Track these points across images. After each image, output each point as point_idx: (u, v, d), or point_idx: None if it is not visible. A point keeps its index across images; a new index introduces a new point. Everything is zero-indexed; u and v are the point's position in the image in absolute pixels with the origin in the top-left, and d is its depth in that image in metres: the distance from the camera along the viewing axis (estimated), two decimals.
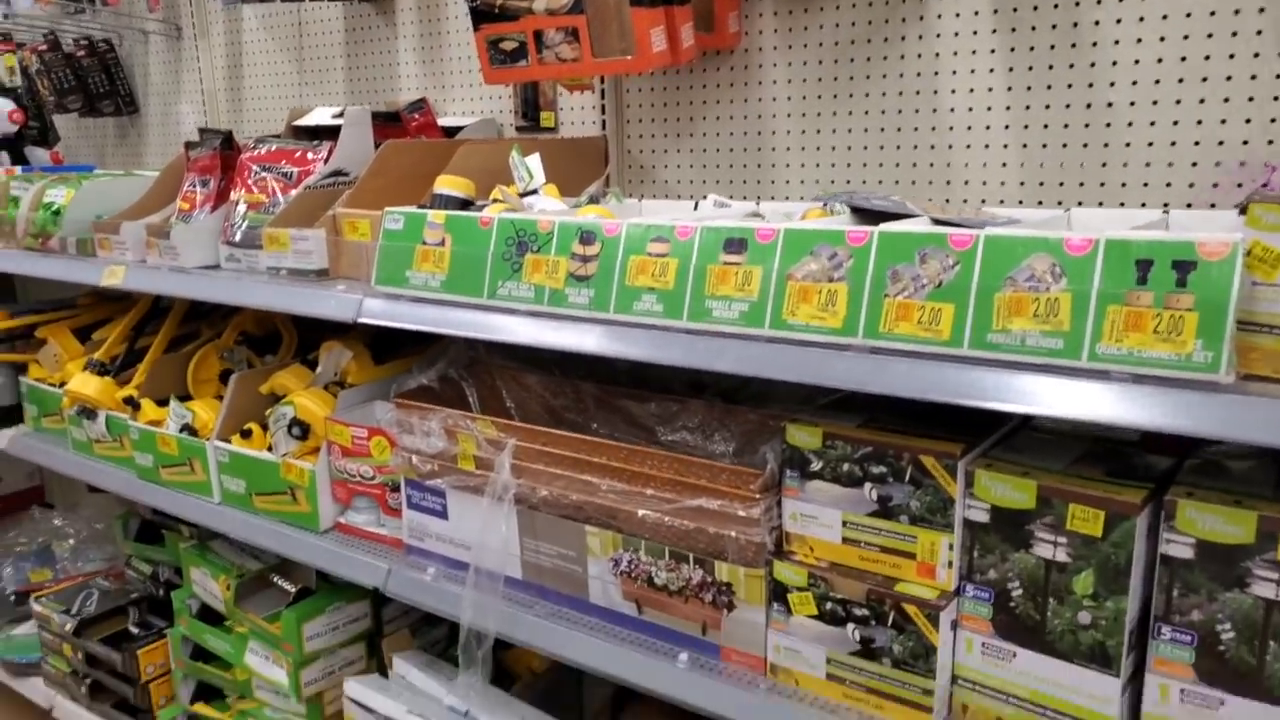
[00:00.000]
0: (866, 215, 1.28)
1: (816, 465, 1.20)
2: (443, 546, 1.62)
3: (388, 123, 2.00)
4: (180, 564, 2.53)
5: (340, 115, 1.90)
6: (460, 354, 1.77)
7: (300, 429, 1.78)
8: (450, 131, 2.07)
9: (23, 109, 2.73)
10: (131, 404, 2.08)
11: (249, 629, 2.07)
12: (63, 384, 2.32)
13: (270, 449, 1.83)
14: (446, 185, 1.58)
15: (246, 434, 1.88)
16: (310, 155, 1.86)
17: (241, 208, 1.84)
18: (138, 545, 2.65)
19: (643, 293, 1.23)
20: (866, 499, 1.17)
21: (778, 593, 1.23)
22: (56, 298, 3.28)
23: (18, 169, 2.51)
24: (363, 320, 1.54)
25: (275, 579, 2.14)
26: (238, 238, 1.81)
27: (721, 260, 1.17)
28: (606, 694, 2.00)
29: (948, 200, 1.64)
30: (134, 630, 2.48)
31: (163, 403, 2.08)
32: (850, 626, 1.17)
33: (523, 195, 1.55)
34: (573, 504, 1.42)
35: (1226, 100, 1.39)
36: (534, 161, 1.59)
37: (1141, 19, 1.44)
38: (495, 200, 1.53)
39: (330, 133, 1.94)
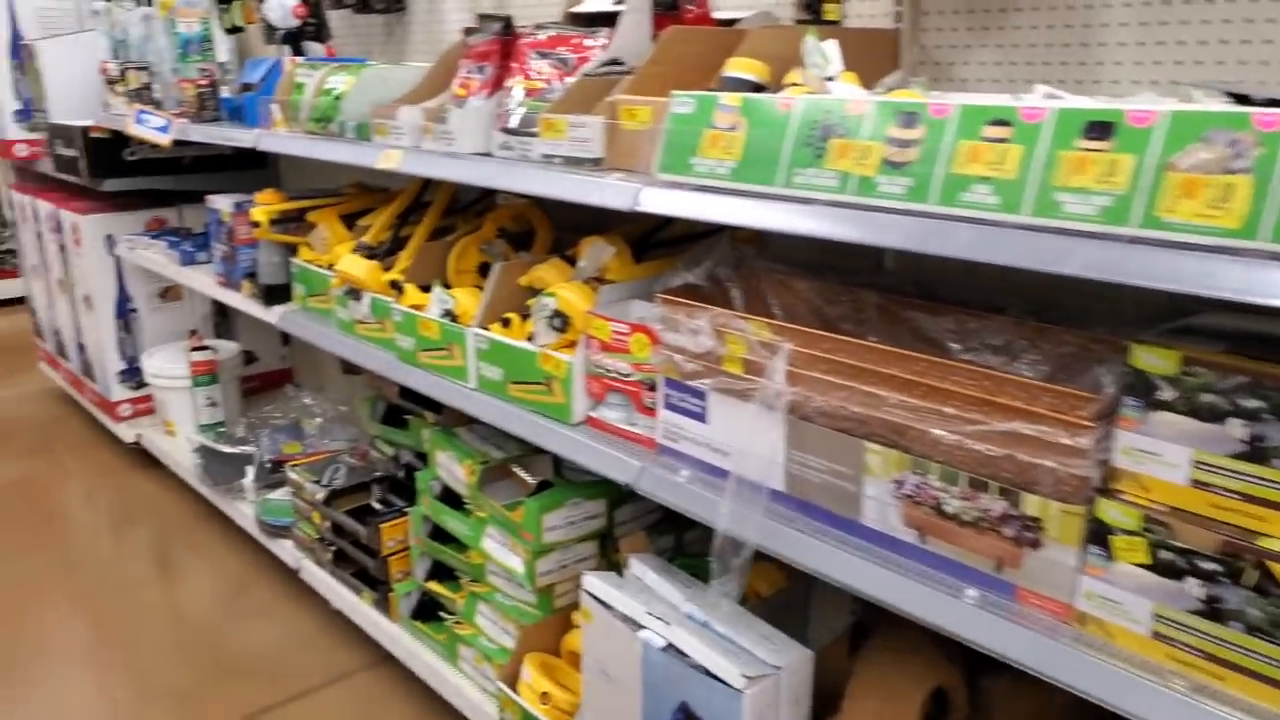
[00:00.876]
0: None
1: (1167, 394, 1.04)
2: (698, 450, 1.56)
3: (665, 12, 1.92)
4: (422, 448, 2.64)
5: (620, 2, 1.83)
6: (726, 254, 1.69)
7: (561, 321, 1.76)
8: (724, 24, 1.96)
9: (305, 4, 2.85)
10: (396, 288, 2.14)
11: (489, 515, 2.12)
12: (330, 266, 2.43)
13: (530, 339, 1.83)
14: (738, 68, 1.48)
15: (506, 323, 1.89)
16: (588, 42, 1.80)
17: (518, 94, 1.82)
18: (383, 427, 2.78)
19: (973, 182, 1.09)
20: (1230, 437, 1.00)
21: (1098, 534, 1.09)
22: (315, 185, 3.49)
23: (299, 60, 2.63)
24: (640, 208, 1.48)
25: (516, 469, 2.17)
26: (514, 124, 1.79)
27: (1079, 146, 1.01)
28: (839, 627, 1.91)
29: None
30: (377, 506, 2.61)
31: (425, 289, 2.13)
32: (1191, 581, 1.02)
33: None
34: (853, 417, 1.32)
35: None
36: (831, 47, 1.46)
37: None
38: (794, 84, 1.42)
39: (607, 20, 1.88)
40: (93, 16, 4.21)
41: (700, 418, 1.55)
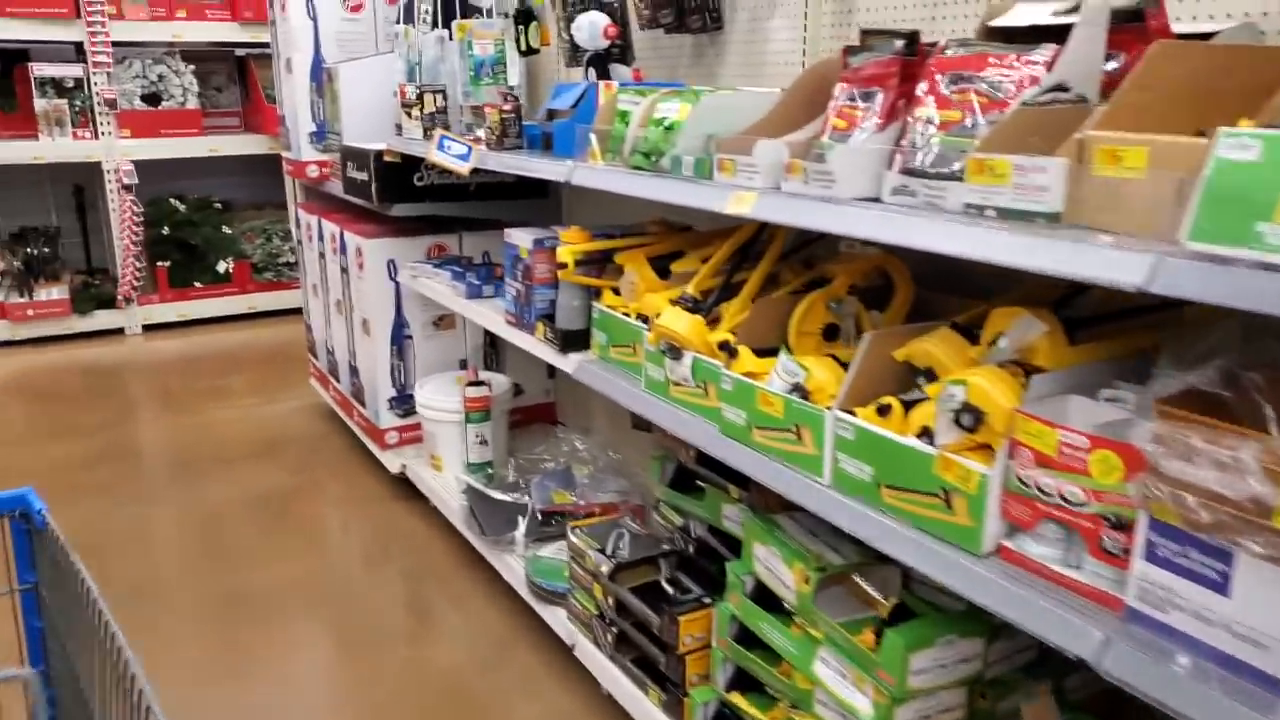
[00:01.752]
0: None
1: None
2: (1207, 631, 1.11)
3: (1124, 25, 1.49)
4: (719, 523, 2.31)
5: (1071, 10, 1.41)
6: (1230, 340, 1.23)
7: (972, 417, 1.36)
8: (1196, 39, 1.50)
9: (616, 23, 2.62)
10: (726, 349, 1.81)
11: (825, 635, 1.74)
12: (640, 316, 2.14)
13: (923, 435, 1.43)
14: None
15: (884, 410, 1.51)
16: (1025, 62, 1.40)
17: (927, 127, 1.44)
18: (672, 493, 2.47)
19: None
20: None
21: None
22: (606, 222, 3.26)
23: (623, 85, 2.38)
24: (1156, 290, 1.05)
25: (860, 581, 1.78)
26: (921, 163, 1.42)
27: None
28: None
29: None
30: (667, 588, 2.29)
31: (763, 353, 1.79)
32: None
33: None
34: None
35: None
36: None
37: None
38: None
39: (1037, 35, 1.47)
40: (390, 39, 4.24)
41: (1218, 586, 1.10)
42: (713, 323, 1.92)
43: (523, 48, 3.39)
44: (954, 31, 2.01)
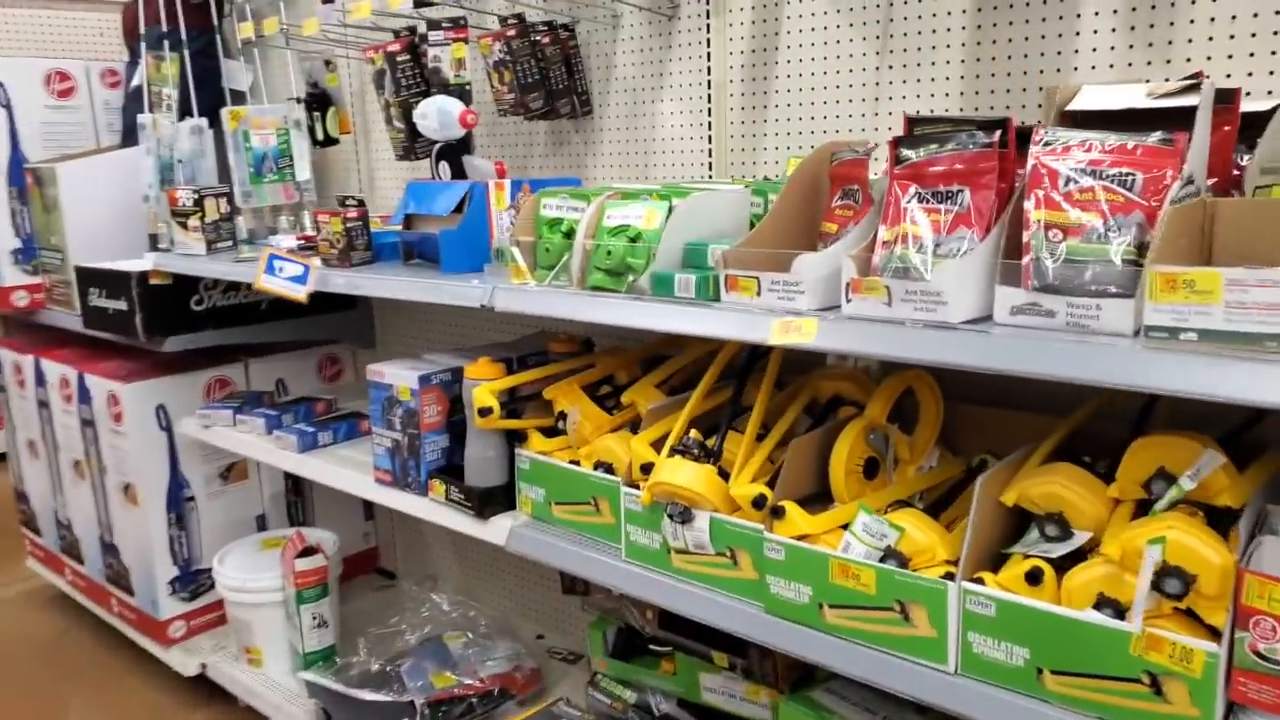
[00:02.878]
0: None
1: None
2: None
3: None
4: (688, 694, 1.93)
5: (1172, 93, 1.24)
6: None
7: (1180, 583, 1.12)
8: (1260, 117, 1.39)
9: (474, 111, 2.20)
10: (766, 508, 1.46)
11: None
12: (599, 464, 1.73)
13: (1102, 606, 1.17)
14: None
15: (1034, 577, 1.22)
16: (1155, 150, 1.20)
17: (1052, 233, 1.20)
18: (621, 664, 2.06)
19: None
20: None
21: None
22: (433, 340, 2.77)
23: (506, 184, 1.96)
24: None
25: None
26: (1059, 278, 1.16)
27: None
28: None
29: None
30: None
31: (807, 502, 1.45)
32: None
33: None
34: None
35: None
36: None
37: None
38: None
39: (1099, 122, 1.28)
40: (112, 132, 3.48)
41: None
42: (722, 471, 1.56)
43: (319, 137, 2.86)
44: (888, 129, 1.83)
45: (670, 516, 1.54)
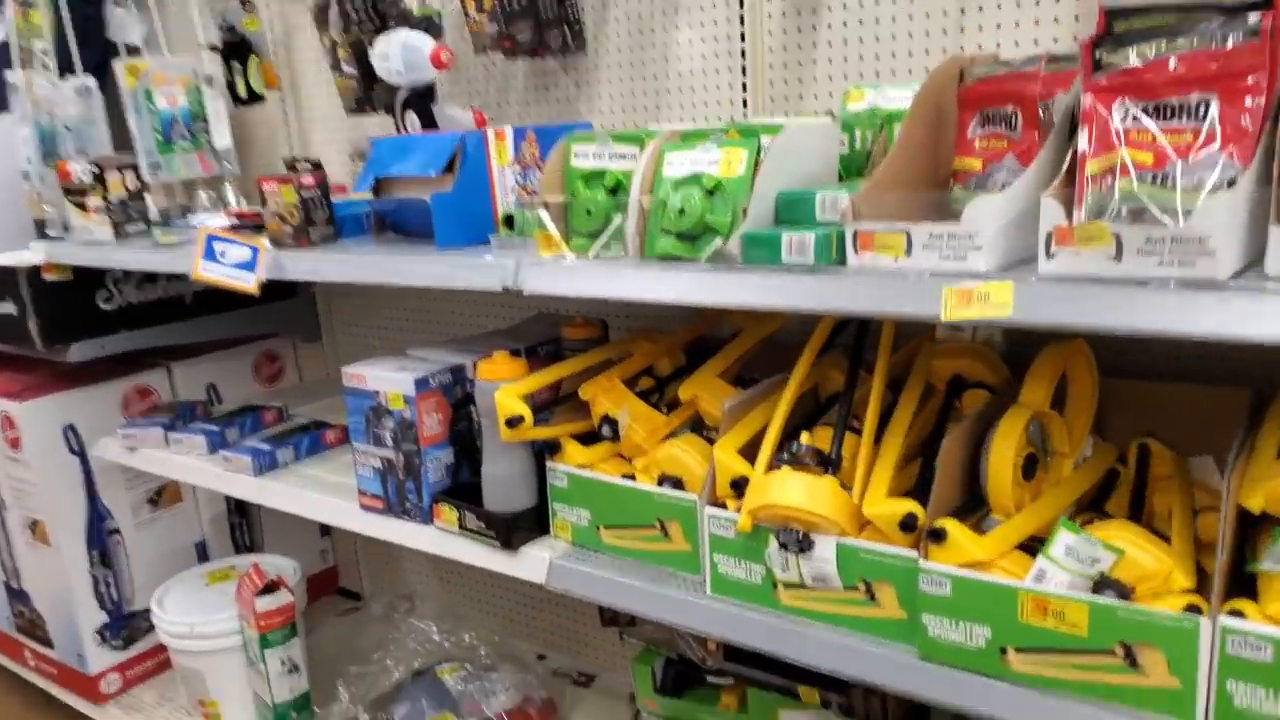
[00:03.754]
0: None
1: None
2: None
3: None
4: None
5: None
6: None
7: None
8: None
9: (448, 48, 1.79)
10: (920, 529, 1.14)
11: None
12: (665, 478, 1.38)
13: None
14: None
15: None
16: None
17: None
18: (675, 703, 1.72)
19: None
20: None
21: None
22: (388, 330, 2.34)
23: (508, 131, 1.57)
24: None
25: None
26: None
27: None
28: None
29: None
30: None
31: (964, 512, 1.14)
32: None
33: None
34: None
35: None
36: None
37: None
38: None
39: None
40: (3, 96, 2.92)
41: None
42: (844, 482, 1.23)
43: (241, 93, 2.39)
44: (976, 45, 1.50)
45: (783, 545, 1.21)
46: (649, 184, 1.28)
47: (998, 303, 0.98)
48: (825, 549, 1.20)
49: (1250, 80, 0.93)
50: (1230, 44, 0.94)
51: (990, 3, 1.53)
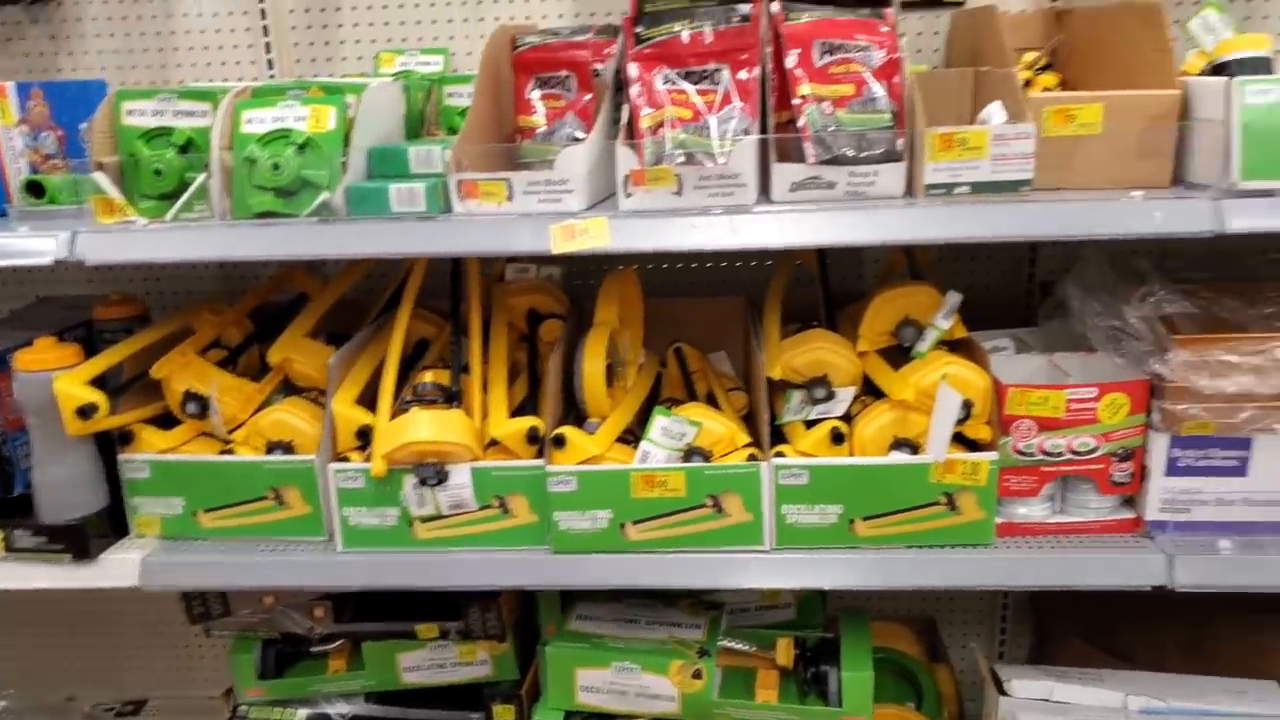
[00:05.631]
0: None
1: None
2: (1223, 511, 1.29)
3: None
4: (387, 683, 1.68)
5: None
6: (1098, 268, 1.40)
7: (964, 410, 1.27)
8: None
9: None
10: (544, 439, 1.30)
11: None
12: (275, 445, 1.36)
13: (900, 447, 1.28)
14: (1242, 47, 1.22)
15: (839, 437, 1.29)
16: (869, 23, 1.28)
17: (823, 106, 1.22)
18: (283, 682, 1.69)
19: None
20: None
21: None
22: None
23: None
24: (1233, 230, 1.13)
25: (742, 645, 1.53)
26: (839, 148, 1.20)
27: None
28: None
29: None
30: None
31: (567, 421, 1.33)
32: None
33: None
34: None
35: None
36: (1214, 15, 1.30)
37: None
38: None
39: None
40: None
41: (1237, 471, 1.28)
42: (469, 412, 1.33)
43: None
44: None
45: (422, 481, 1.28)
46: (228, 141, 1.24)
47: (596, 235, 1.17)
48: (460, 475, 1.30)
49: (745, 56, 1.23)
50: (733, 24, 1.23)
51: None
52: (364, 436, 1.32)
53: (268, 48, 1.74)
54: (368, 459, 1.30)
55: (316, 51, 1.76)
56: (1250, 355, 1.22)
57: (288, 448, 1.36)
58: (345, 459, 1.33)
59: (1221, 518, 1.30)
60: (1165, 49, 1.25)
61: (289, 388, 1.48)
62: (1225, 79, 1.14)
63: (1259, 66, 1.21)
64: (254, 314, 1.61)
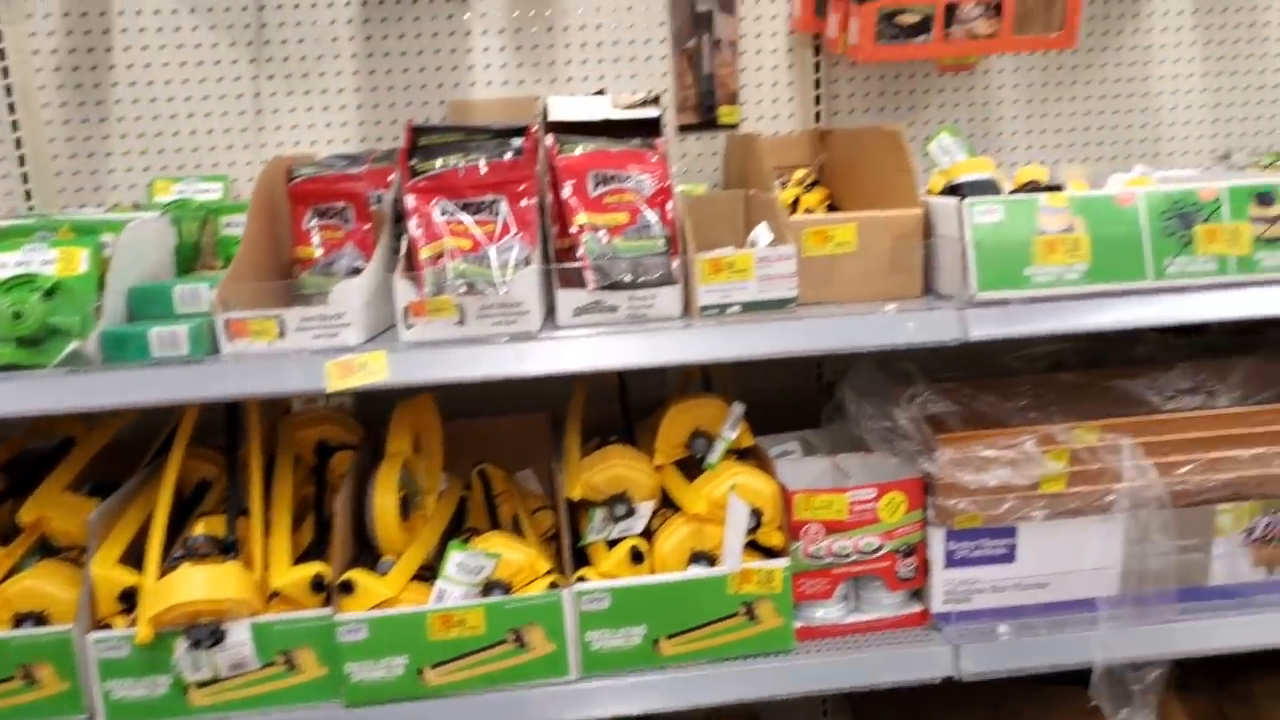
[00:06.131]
0: None
1: None
2: (1001, 597, 1.37)
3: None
4: None
5: (641, 104, 1.39)
6: (867, 374, 1.48)
7: (755, 519, 1.30)
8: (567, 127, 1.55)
9: None
10: (330, 587, 1.23)
11: None
12: (23, 617, 1.23)
13: (697, 560, 1.29)
14: (974, 169, 1.34)
15: (638, 556, 1.29)
16: (639, 153, 1.34)
17: (599, 234, 1.25)
18: None
19: None
20: None
21: None
22: None
23: None
24: (974, 338, 1.23)
25: None
26: (620, 274, 1.23)
27: None
28: None
29: None
30: None
31: (359, 562, 1.27)
32: None
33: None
34: (1199, 489, 1.36)
35: None
36: (949, 140, 1.44)
37: None
38: (1031, 180, 1.35)
39: (574, 130, 1.39)
40: None
41: (1006, 558, 1.36)
42: (248, 562, 1.25)
43: None
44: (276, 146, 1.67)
45: (195, 643, 1.18)
46: None
47: (375, 370, 1.15)
48: (239, 633, 1.21)
49: (522, 187, 1.25)
50: (507, 158, 1.25)
51: (285, 105, 1.68)
52: (129, 599, 1.22)
53: (24, 178, 1.64)
54: (133, 624, 1.20)
55: (83, 181, 1.67)
56: (1005, 449, 1.31)
57: (39, 618, 1.23)
58: (107, 626, 1.22)
59: (998, 604, 1.37)
60: (907, 170, 1.36)
61: (46, 549, 1.35)
62: (957, 200, 1.25)
63: (986, 188, 1.33)
64: (9, 466, 1.47)
